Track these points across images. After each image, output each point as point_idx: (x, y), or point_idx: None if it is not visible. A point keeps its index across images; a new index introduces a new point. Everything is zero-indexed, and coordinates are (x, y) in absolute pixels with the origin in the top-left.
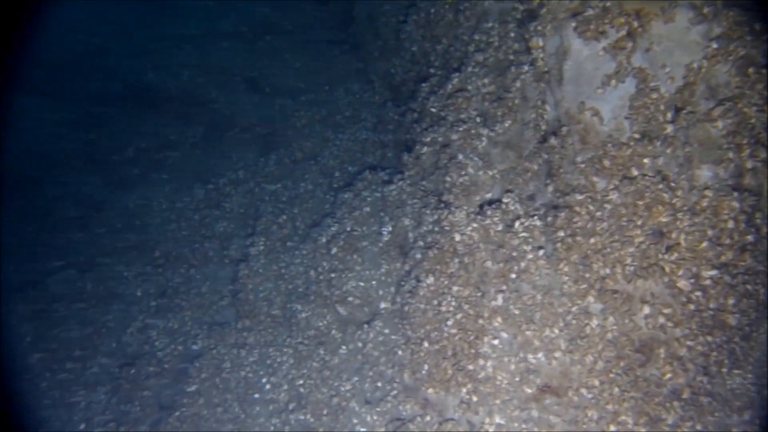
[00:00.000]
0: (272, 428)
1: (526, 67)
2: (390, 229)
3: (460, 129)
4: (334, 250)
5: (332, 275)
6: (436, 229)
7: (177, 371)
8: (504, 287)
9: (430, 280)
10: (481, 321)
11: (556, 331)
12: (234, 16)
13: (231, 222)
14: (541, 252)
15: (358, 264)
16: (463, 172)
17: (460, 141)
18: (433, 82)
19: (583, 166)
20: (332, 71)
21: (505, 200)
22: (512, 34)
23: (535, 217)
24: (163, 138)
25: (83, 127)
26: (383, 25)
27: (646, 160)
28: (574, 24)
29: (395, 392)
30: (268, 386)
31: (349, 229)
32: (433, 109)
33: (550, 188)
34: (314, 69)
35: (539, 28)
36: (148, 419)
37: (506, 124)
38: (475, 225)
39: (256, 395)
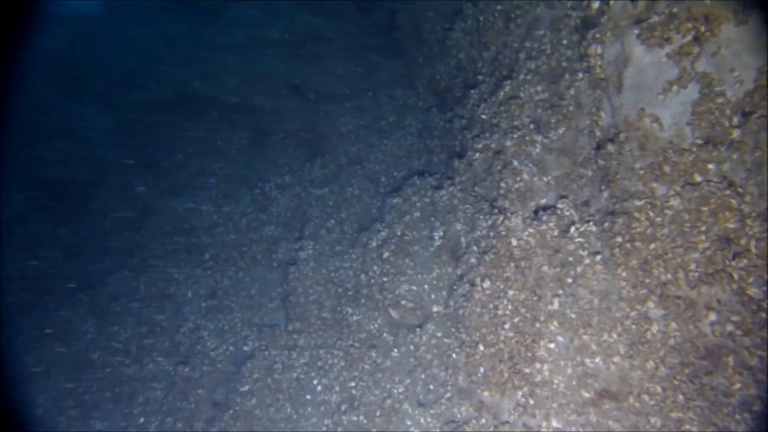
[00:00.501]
0: (324, 429)
1: (580, 75)
2: (441, 233)
3: (515, 136)
4: (385, 255)
5: (384, 279)
6: (492, 234)
7: (229, 371)
8: (560, 291)
9: (486, 284)
10: (537, 325)
11: (615, 335)
12: (278, 25)
13: (278, 226)
14: (598, 257)
15: (410, 268)
16: (518, 178)
17: (515, 147)
18: (482, 89)
19: (642, 172)
20: (375, 77)
21: (559, 206)
22: (565, 42)
23: (591, 223)
24: (211, 144)
25: (135, 134)
26: (428, 33)
27: (710, 166)
28: (637, 31)
29: (449, 395)
30: (319, 387)
31: (399, 233)
32: (484, 116)
33: (605, 194)
34: (357, 75)
35: (598, 35)
36: (203, 416)
37: (560, 131)
38: (531, 230)
39: (308, 396)
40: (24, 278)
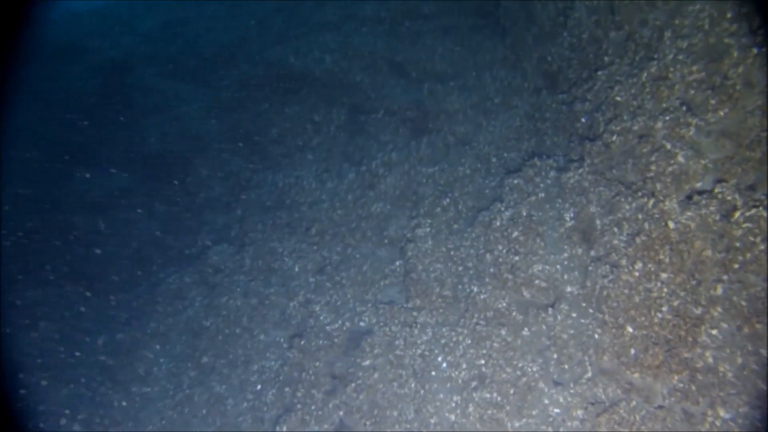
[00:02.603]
0: (454, 405)
1: (755, 50)
2: (573, 215)
3: (667, 118)
4: (514, 234)
5: (516, 258)
6: (641, 216)
7: (347, 346)
8: (725, 277)
9: (638, 266)
10: (698, 309)
11: None
12: (372, 2)
13: (387, 203)
14: None
15: (541, 248)
16: (672, 161)
17: (667, 130)
18: (612, 71)
19: None
20: (477, 57)
21: (719, 190)
22: (729, 15)
23: (761, 208)
24: (307, 119)
25: (230, 110)
26: (540, 10)
27: None
28: None
29: (589, 374)
30: (444, 365)
31: (525, 213)
32: (619, 98)
33: None
34: (458, 54)
35: None
36: (322, 387)
37: (721, 113)
38: (690, 213)
39: (433, 372)
40: (123, 255)
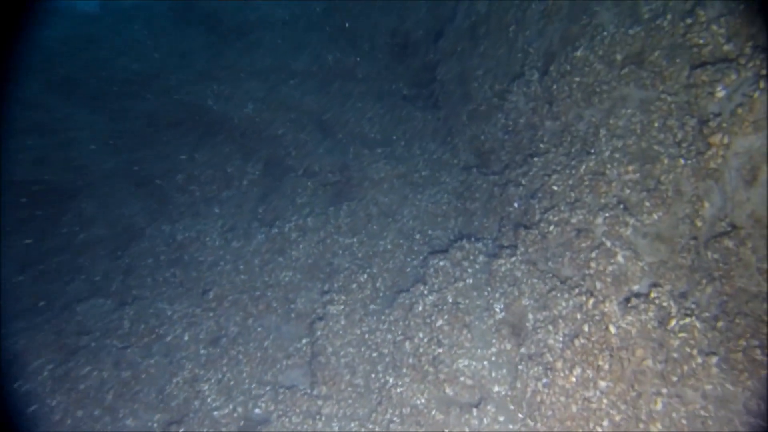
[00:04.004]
0: None
1: (682, 161)
2: (503, 306)
3: (606, 215)
4: (438, 322)
5: (438, 350)
6: (580, 316)
7: None
8: (664, 390)
9: (576, 371)
10: (639, 426)
11: None
12: (305, 57)
13: (297, 272)
14: (714, 359)
15: (467, 341)
16: (612, 260)
17: (607, 227)
18: (549, 159)
19: None
20: (407, 126)
21: (655, 295)
22: (657, 125)
23: (694, 318)
24: (219, 169)
25: (130, 146)
26: (476, 90)
27: None
28: None
29: None
30: None
31: (451, 300)
32: (556, 188)
33: (709, 289)
34: (388, 121)
35: (725, 125)
36: None
37: (655, 216)
38: (630, 318)
39: None
40: None
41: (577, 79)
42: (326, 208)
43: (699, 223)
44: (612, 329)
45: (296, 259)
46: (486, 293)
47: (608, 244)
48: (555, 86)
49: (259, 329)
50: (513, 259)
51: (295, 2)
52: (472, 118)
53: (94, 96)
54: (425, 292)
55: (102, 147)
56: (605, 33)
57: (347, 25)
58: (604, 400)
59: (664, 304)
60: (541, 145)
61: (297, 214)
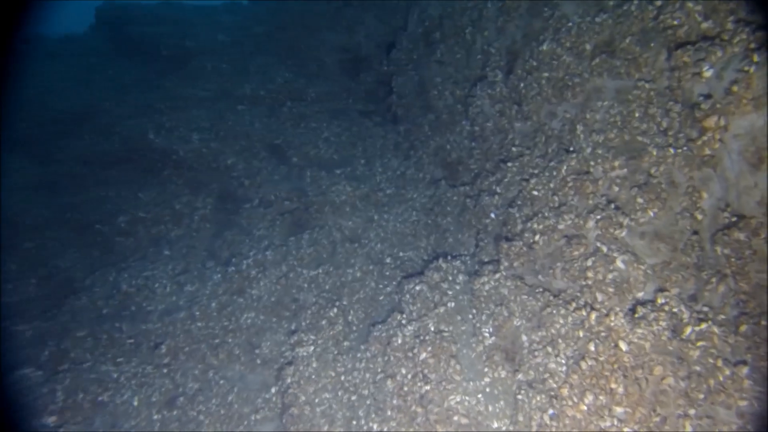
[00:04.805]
0: None
1: (671, 150)
2: (491, 329)
3: (598, 217)
4: (422, 355)
5: (425, 387)
6: (583, 334)
7: None
8: (692, 411)
9: (588, 398)
10: None
11: None
12: (253, 81)
13: (260, 313)
14: (745, 369)
15: (457, 373)
16: (611, 267)
17: (599, 231)
18: (524, 162)
19: None
20: (366, 144)
21: (661, 300)
22: (637, 115)
23: (710, 323)
24: (166, 207)
25: (64, 189)
26: (436, 98)
27: None
28: None
29: None
30: None
31: (433, 328)
32: (537, 193)
33: (721, 288)
34: (346, 140)
35: (719, 105)
36: None
37: (651, 213)
38: (641, 330)
39: None
40: None
41: (546, 74)
42: (286, 239)
43: (699, 216)
44: (623, 346)
45: (257, 299)
46: (471, 316)
47: (604, 249)
48: (522, 84)
49: (221, 382)
50: (497, 275)
51: (236, 27)
52: (435, 129)
53: (21, 140)
54: (403, 321)
55: (32, 195)
56: (570, 24)
57: (294, 45)
58: (625, 429)
59: (675, 310)
60: (513, 149)
61: (255, 248)
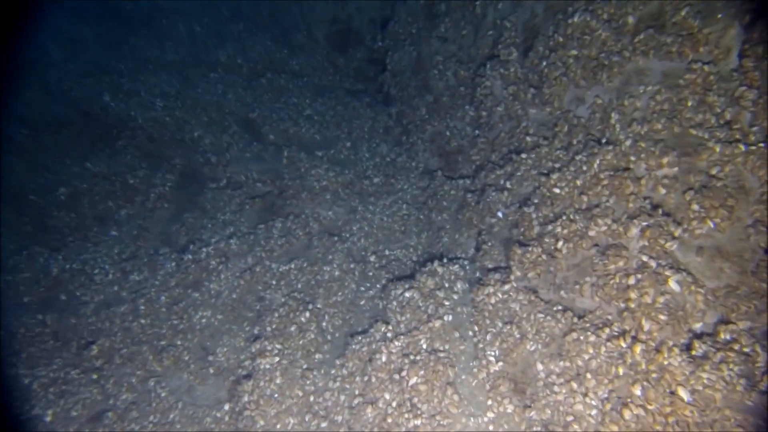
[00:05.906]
0: None
1: (743, 147)
2: (497, 352)
3: (644, 224)
4: (412, 379)
5: (414, 422)
6: (626, 372)
7: None
8: None
9: None
10: None
11: None
12: (228, 47)
13: (218, 312)
14: None
15: (454, 405)
16: (662, 288)
17: (645, 242)
18: (542, 154)
19: None
20: (353, 125)
21: (726, 336)
22: (691, 103)
23: None
24: (118, 181)
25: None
26: (436, 78)
27: None
28: None
29: None
30: None
31: (426, 346)
32: (558, 191)
33: None
34: (330, 120)
35: None
36: None
37: (710, 224)
38: (707, 375)
39: None
40: None
41: (575, 52)
42: (255, 227)
43: None
44: (683, 394)
45: (216, 295)
46: (472, 334)
47: (653, 264)
48: (544, 64)
49: (162, 394)
50: (506, 287)
51: None
52: (433, 112)
53: None
54: (389, 334)
55: None
56: None
57: (278, 11)
58: None
59: (747, 350)
60: (528, 139)
61: (218, 235)
